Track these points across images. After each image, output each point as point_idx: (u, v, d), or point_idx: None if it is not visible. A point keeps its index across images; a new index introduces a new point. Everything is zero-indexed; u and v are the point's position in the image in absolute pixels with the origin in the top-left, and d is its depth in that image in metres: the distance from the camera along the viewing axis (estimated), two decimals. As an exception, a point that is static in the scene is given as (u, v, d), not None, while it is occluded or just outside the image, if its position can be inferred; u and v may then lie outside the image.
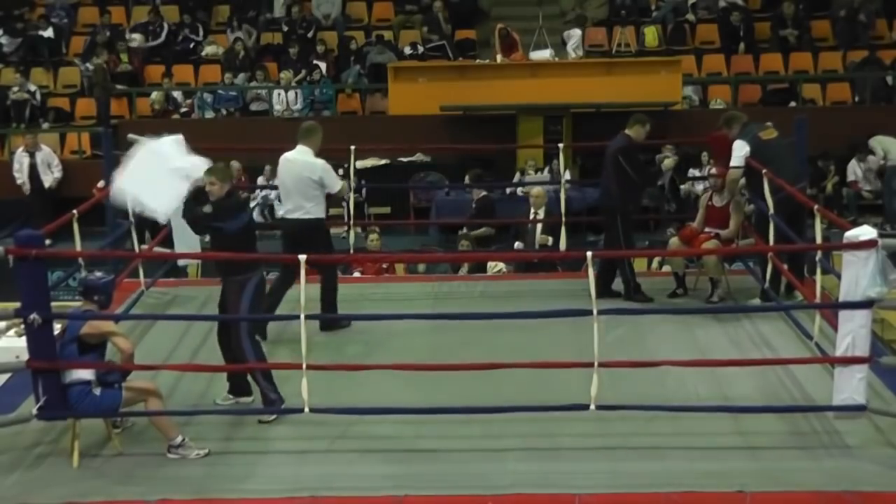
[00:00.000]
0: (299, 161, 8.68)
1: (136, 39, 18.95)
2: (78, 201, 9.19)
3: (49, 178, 15.93)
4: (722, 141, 9.90)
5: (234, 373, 7.30)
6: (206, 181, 7.21)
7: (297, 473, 6.40)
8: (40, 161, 15.93)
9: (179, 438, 6.63)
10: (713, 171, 9.71)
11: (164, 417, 6.71)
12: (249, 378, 7.32)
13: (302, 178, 8.60)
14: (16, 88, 17.76)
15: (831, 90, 17.65)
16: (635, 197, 9.53)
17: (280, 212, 8.72)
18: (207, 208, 7.16)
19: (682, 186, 14.92)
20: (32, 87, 18.00)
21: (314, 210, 8.68)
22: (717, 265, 9.27)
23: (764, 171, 8.99)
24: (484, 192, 14.38)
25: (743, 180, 9.42)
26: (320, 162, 8.70)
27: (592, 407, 6.56)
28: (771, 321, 8.65)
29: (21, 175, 15.84)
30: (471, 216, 14.09)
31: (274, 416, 7.07)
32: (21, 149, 16.00)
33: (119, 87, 17.89)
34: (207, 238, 11.26)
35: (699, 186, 14.31)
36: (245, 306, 7.13)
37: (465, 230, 13.40)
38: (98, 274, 7.16)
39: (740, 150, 9.19)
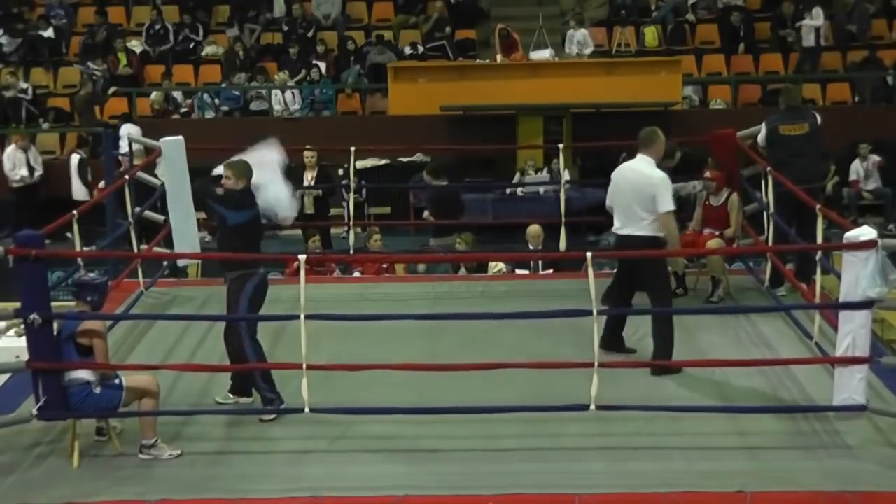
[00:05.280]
0: (643, 174, 7.87)
1: (137, 45, 18.99)
2: (76, 201, 9.17)
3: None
4: (725, 140, 9.93)
5: (238, 372, 7.31)
6: (223, 173, 7.25)
7: (297, 473, 6.40)
8: (32, 159, 15.97)
9: (154, 439, 6.63)
10: (707, 173, 9.70)
11: (149, 416, 6.70)
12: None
13: (636, 193, 7.83)
14: (10, 89, 17.76)
15: (831, 90, 17.66)
16: None
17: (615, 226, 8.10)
18: (219, 190, 7.28)
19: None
20: (24, 85, 17.97)
21: (648, 227, 7.85)
22: (720, 264, 9.28)
23: (768, 167, 9.08)
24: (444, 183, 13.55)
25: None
26: (659, 174, 7.91)
27: (592, 407, 6.56)
28: (771, 321, 8.65)
29: (17, 171, 15.82)
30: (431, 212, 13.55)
31: (274, 416, 7.07)
32: (13, 147, 15.97)
33: (116, 88, 17.89)
34: (208, 238, 11.36)
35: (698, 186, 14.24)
36: (244, 305, 7.12)
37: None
38: (92, 275, 7.16)
39: (761, 132, 9.67)
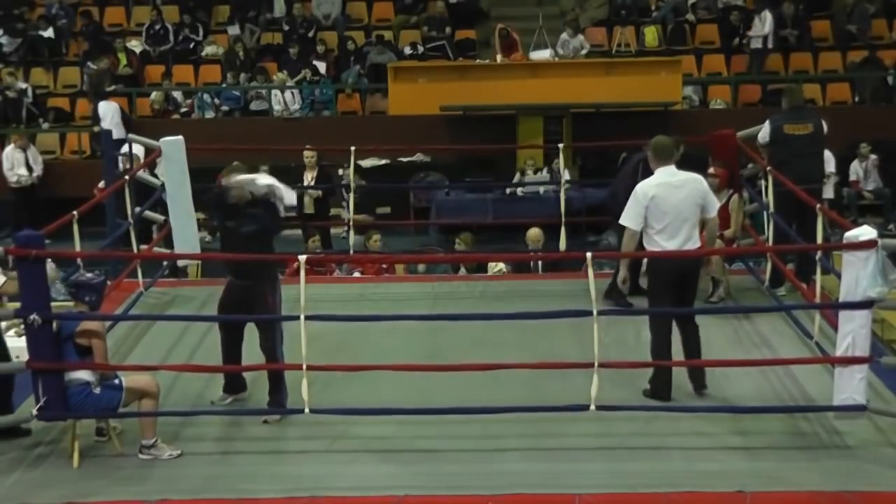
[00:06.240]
0: (689, 181, 7.37)
1: (137, 45, 19.00)
2: (76, 201, 9.15)
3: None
4: (724, 140, 9.93)
5: (230, 371, 7.32)
6: (230, 183, 7.23)
7: (297, 473, 6.40)
8: (31, 159, 16.00)
9: (154, 439, 6.63)
10: (711, 170, 9.70)
11: (149, 417, 6.69)
12: (246, 377, 7.38)
13: (695, 202, 7.33)
14: (10, 89, 17.76)
15: (831, 90, 17.66)
16: None
17: (667, 246, 7.31)
18: (282, 210, 7.25)
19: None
20: (23, 85, 17.97)
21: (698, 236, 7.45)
22: (720, 265, 9.28)
23: (768, 167, 9.10)
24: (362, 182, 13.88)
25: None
26: (703, 180, 7.51)
27: (592, 407, 6.56)
28: (771, 321, 8.65)
29: (15, 171, 15.86)
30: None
31: (280, 417, 7.08)
32: (11, 146, 16.01)
33: (116, 85, 17.87)
34: (208, 238, 11.35)
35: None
36: (279, 306, 7.17)
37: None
38: (89, 275, 7.15)
39: (763, 130, 9.61)
